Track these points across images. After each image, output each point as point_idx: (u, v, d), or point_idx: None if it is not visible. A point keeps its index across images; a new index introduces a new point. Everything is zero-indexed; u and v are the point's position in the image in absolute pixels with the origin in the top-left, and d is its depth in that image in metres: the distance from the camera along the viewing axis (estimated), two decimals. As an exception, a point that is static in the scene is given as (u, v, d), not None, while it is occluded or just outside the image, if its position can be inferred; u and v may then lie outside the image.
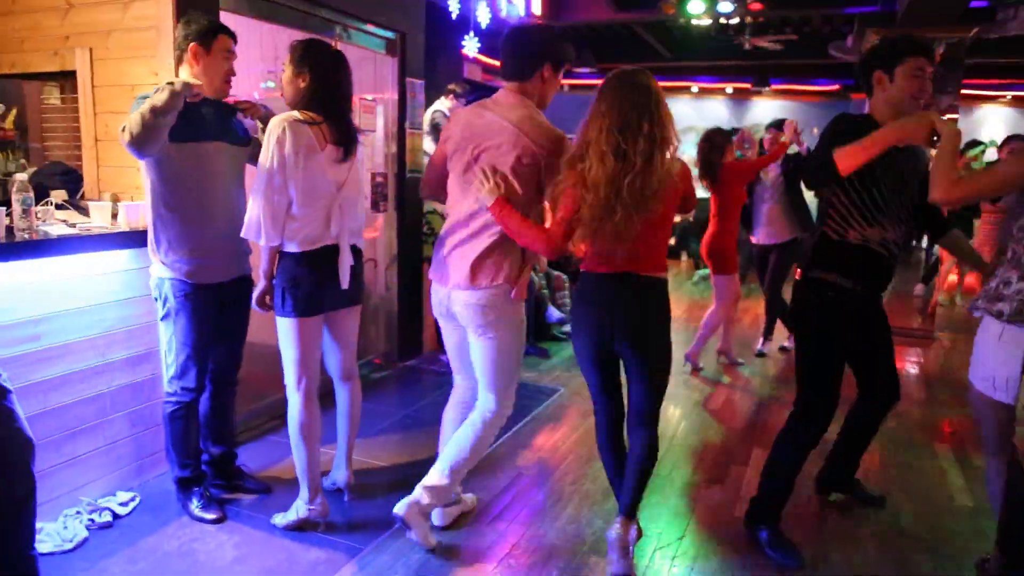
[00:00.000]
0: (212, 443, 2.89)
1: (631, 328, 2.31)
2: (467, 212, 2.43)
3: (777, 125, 5.13)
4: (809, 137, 11.09)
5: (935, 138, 2.13)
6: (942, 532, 2.83)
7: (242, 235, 2.51)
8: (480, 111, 2.44)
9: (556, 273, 5.92)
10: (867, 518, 2.92)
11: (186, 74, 2.55)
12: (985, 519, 2.80)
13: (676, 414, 4.08)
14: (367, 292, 4.64)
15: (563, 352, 5.12)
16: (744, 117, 11.60)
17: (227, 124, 2.69)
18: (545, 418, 3.92)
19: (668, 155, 2.22)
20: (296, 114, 2.47)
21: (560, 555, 2.58)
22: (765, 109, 11.59)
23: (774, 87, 11.24)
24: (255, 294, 2.58)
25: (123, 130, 2.34)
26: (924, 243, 8.68)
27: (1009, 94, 11.13)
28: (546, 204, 2.45)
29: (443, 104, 6.16)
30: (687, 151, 7.96)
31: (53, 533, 2.52)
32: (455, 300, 2.46)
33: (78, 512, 2.65)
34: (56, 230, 2.59)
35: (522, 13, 6.86)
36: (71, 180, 3.18)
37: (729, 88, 11.64)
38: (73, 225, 2.71)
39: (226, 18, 3.09)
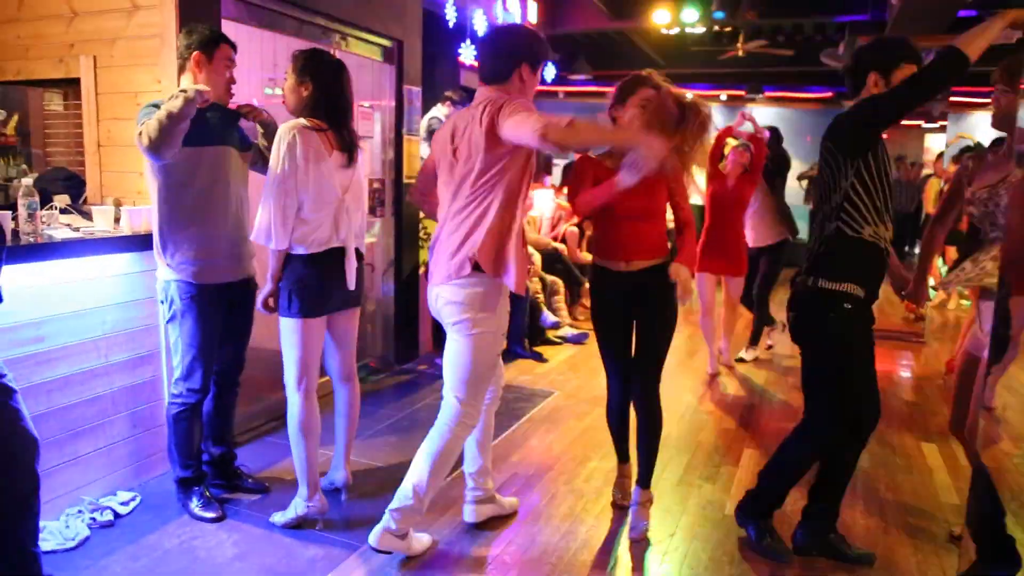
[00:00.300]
0: (212, 444, 2.94)
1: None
2: (452, 211, 2.42)
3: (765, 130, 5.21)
4: (803, 145, 11.19)
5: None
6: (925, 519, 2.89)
7: (252, 239, 2.59)
8: (458, 119, 2.47)
9: (552, 278, 5.99)
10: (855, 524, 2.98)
11: (188, 82, 2.61)
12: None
13: (669, 415, 4.12)
14: (364, 296, 4.69)
15: (558, 356, 5.17)
16: (739, 124, 11.69)
17: (231, 129, 2.76)
18: (539, 420, 3.97)
19: None
20: (304, 121, 2.55)
21: (554, 552, 2.63)
22: (759, 115, 11.59)
23: (768, 94, 11.34)
24: (260, 296, 2.64)
25: (140, 135, 2.41)
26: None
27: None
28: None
29: (440, 111, 6.23)
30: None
31: (55, 532, 2.56)
32: (439, 298, 2.46)
33: (80, 511, 2.69)
34: (60, 234, 2.65)
35: (518, 21, 6.94)
36: (74, 185, 3.23)
37: (723, 95, 11.74)
38: (76, 229, 2.77)
39: (227, 26, 3.16)
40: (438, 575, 2.47)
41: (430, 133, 6.02)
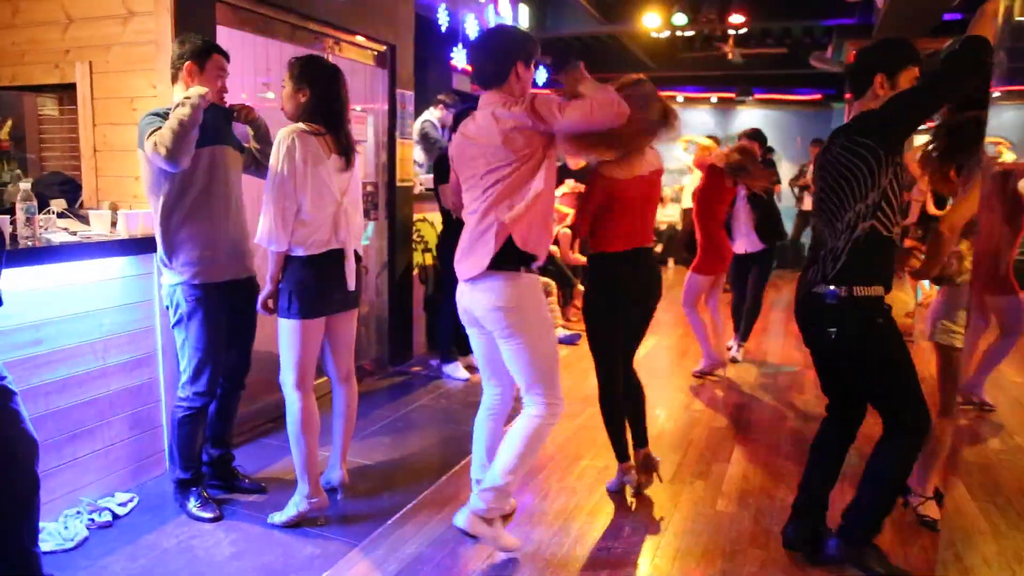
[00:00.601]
0: (212, 445, 2.98)
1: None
2: (479, 208, 2.47)
3: (750, 135, 5.26)
4: (792, 148, 11.23)
5: None
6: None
7: (256, 242, 2.63)
8: (467, 123, 2.53)
9: (544, 280, 6.03)
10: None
11: (180, 91, 2.66)
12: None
13: (661, 414, 4.18)
14: (364, 298, 4.73)
15: (551, 357, 5.21)
16: (728, 126, 11.79)
17: (227, 130, 2.82)
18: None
19: None
20: (302, 125, 2.60)
21: (548, 549, 2.67)
22: (749, 118, 11.76)
23: (757, 96, 11.43)
24: (260, 297, 2.68)
25: (155, 146, 2.45)
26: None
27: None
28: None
29: (432, 114, 6.28)
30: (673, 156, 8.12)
31: (54, 532, 2.59)
32: (475, 301, 2.49)
33: (78, 512, 2.72)
34: (58, 238, 2.68)
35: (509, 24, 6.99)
36: (70, 189, 3.26)
37: (713, 98, 11.82)
38: (74, 233, 2.80)
39: (221, 32, 3.20)
40: (434, 573, 2.50)
41: (423, 136, 6.07)
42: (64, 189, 3.24)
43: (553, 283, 6.11)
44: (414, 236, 5.14)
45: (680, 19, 7.08)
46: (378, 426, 3.87)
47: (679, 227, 10.00)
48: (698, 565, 2.60)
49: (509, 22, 6.92)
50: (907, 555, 2.68)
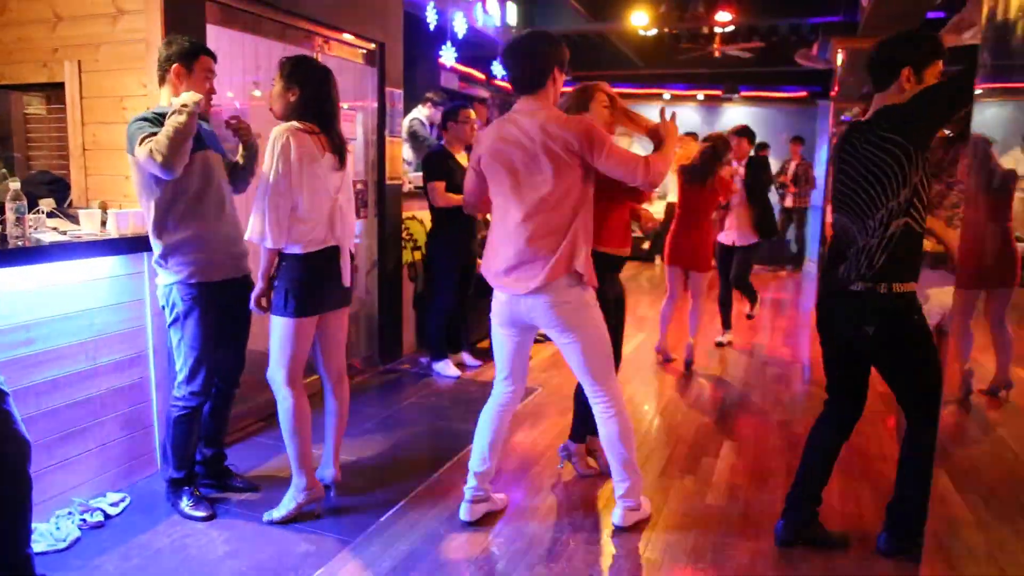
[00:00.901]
0: (205, 445, 2.98)
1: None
2: (520, 218, 2.53)
3: (740, 132, 5.33)
4: (776, 143, 11.31)
5: None
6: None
7: (247, 238, 2.64)
8: (505, 126, 2.57)
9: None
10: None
11: (168, 94, 2.67)
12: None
13: (650, 409, 4.22)
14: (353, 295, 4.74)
15: (540, 354, 5.23)
16: (715, 123, 11.86)
17: (214, 135, 2.83)
18: (523, 417, 4.03)
19: None
20: (296, 124, 2.61)
21: (541, 545, 2.69)
22: (735, 115, 11.84)
23: (743, 94, 11.50)
24: (253, 294, 2.69)
25: (150, 152, 2.44)
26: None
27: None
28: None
29: (420, 112, 6.28)
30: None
31: (46, 533, 2.58)
32: (531, 307, 2.57)
33: (70, 513, 2.71)
34: (48, 237, 2.67)
35: (498, 24, 7.00)
36: (58, 189, 3.24)
37: (700, 95, 11.88)
38: (64, 232, 2.78)
39: (211, 31, 3.19)
40: (428, 570, 2.52)
41: (411, 135, 6.07)
42: (52, 188, 3.22)
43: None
44: (403, 234, 5.14)
45: (640, 19, 7.12)
46: (369, 423, 3.88)
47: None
48: (688, 558, 2.63)
49: (497, 20, 6.93)
50: (893, 546, 2.72)
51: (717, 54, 9.15)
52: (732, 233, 5.35)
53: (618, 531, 2.79)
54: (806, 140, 10.31)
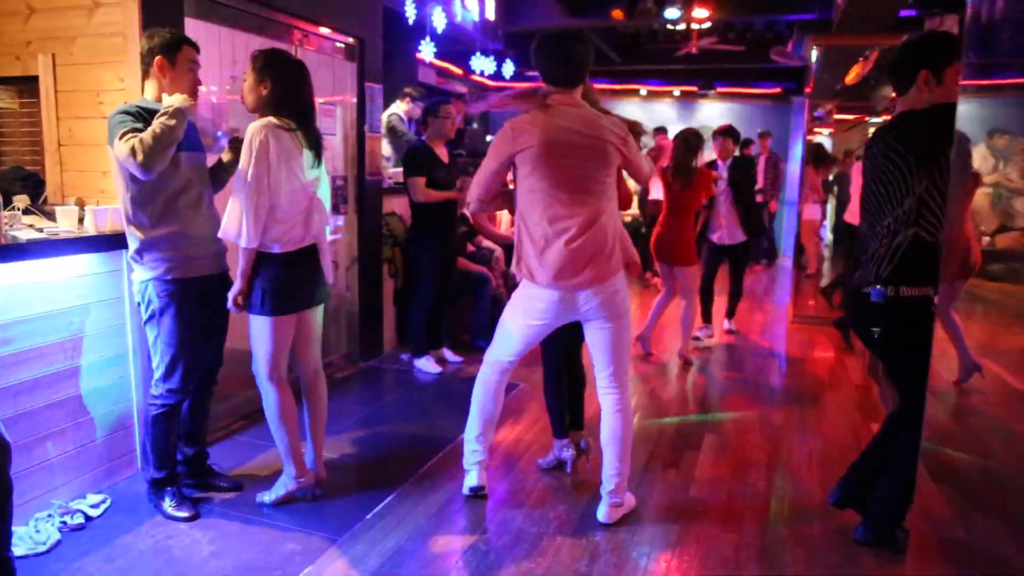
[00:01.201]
0: (186, 443, 2.94)
1: None
2: (583, 215, 2.58)
3: (724, 132, 5.40)
4: (753, 137, 11.35)
5: None
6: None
7: (220, 235, 2.60)
8: (555, 118, 2.58)
9: (514, 271, 6.06)
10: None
11: (152, 87, 2.63)
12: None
13: (632, 403, 4.24)
14: (331, 292, 4.70)
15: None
16: (691, 119, 11.94)
17: (194, 130, 2.77)
18: (507, 411, 4.02)
19: None
20: (274, 120, 2.58)
21: (528, 538, 2.71)
22: (711, 111, 11.95)
23: (719, 90, 11.60)
24: (231, 293, 2.66)
25: (132, 151, 2.39)
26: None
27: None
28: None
29: (399, 107, 6.25)
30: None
31: (25, 537, 2.53)
32: (588, 299, 2.63)
33: (49, 515, 2.66)
34: (25, 235, 2.61)
35: (476, 19, 6.98)
36: (32, 184, 3.16)
37: (676, 91, 11.96)
38: (40, 230, 2.73)
39: (189, 24, 3.15)
40: (415, 567, 2.51)
41: (390, 130, 6.04)
42: (26, 184, 3.14)
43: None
44: (384, 230, 5.12)
45: (673, 13, 7.14)
46: (352, 420, 3.86)
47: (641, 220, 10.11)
48: (674, 551, 2.66)
49: (476, 15, 6.91)
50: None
51: (694, 50, 9.22)
52: (722, 232, 5.42)
53: (604, 524, 2.81)
54: (780, 136, 10.43)
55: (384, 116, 5.69)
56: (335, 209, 4.62)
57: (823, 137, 7.45)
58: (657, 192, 7.13)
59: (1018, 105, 1.95)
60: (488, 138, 9.43)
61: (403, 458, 3.40)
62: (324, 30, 4.27)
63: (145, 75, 2.63)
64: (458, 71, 9.60)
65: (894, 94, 2.55)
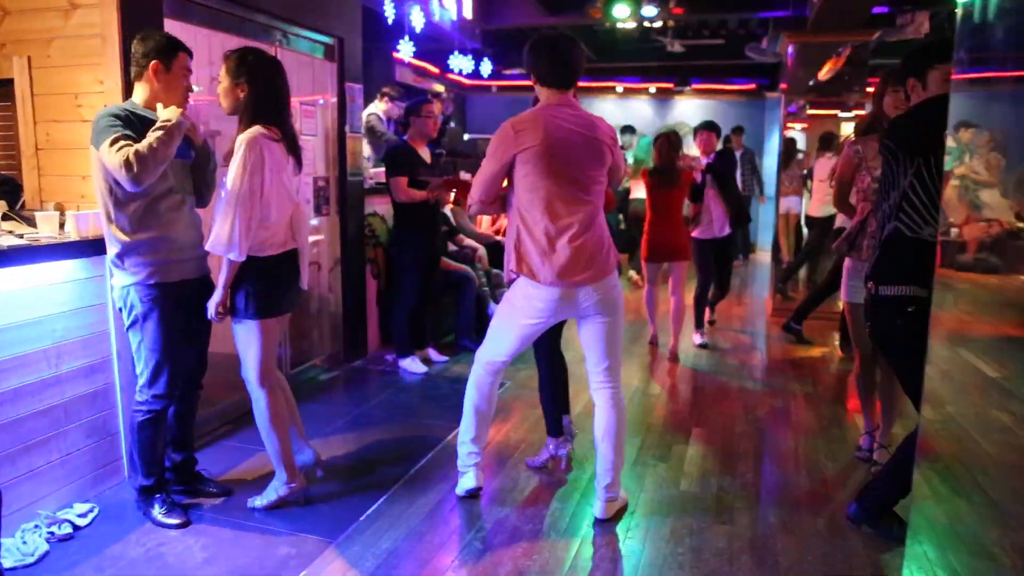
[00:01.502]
0: (174, 449, 2.91)
1: None
2: (583, 213, 2.64)
3: (707, 127, 5.43)
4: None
5: None
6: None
7: (208, 249, 2.58)
8: (554, 118, 2.61)
9: (496, 271, 6.06)
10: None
11: (143, 91, 2.59)
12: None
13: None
14: (311, 295, 4.68)
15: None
16: (667, 115, 12.03)
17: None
18: (495, 411, 4.04)
19: None
20: (263, 131, 2.56)
21: (522, 535, 2.71)
22: (687, 107, 12.04)
23: (695, 86, 11.69)
24: (213, 302, 2.63)
25: (125, 162, 2.35)
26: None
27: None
28: None
29: (377, 107, 6.22)
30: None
31: (12, 548, 2.49)
32: (588, 295, 2.67)
33: (36, 526, 2.62)
34: (5, 241, 2.56)
35: (454, 17, 6.97)
36: (9, 190, 3.10)
37: (652, 88, 12.03)
38: (20, 236, 2.68)
39: (169, 25, 3.11)
40: (413, 568, 2.51)
41: (369, 130, 6.00)
42: (3, 190, 3.08)
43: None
44: (366, 231, 5.09)
45: (622, 11, 7.19)
46: (341, 422, 3.84)
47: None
48: (667, 544, 2.68)
49: (454, 14, 6.90)
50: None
51: (670, 48, 9.28)
52: (712, 227, 5.39)
53: (597, 519, 2.83)
54: (755, 131, 10.55)
55: (363, 116, 5.66)
56: (317, 210, 4.59)
57: (796, 132, 7.55)
58: (639, 192, 7.18)
59: (980, 99, 2.03)
60: (466, 137, 9.44)
61: (394, 459, 3.39)
62: (304, 30, 4.23)
63: (138, 78, 2.59)
64: (435, 70, 9.58)
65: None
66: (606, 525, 2.81)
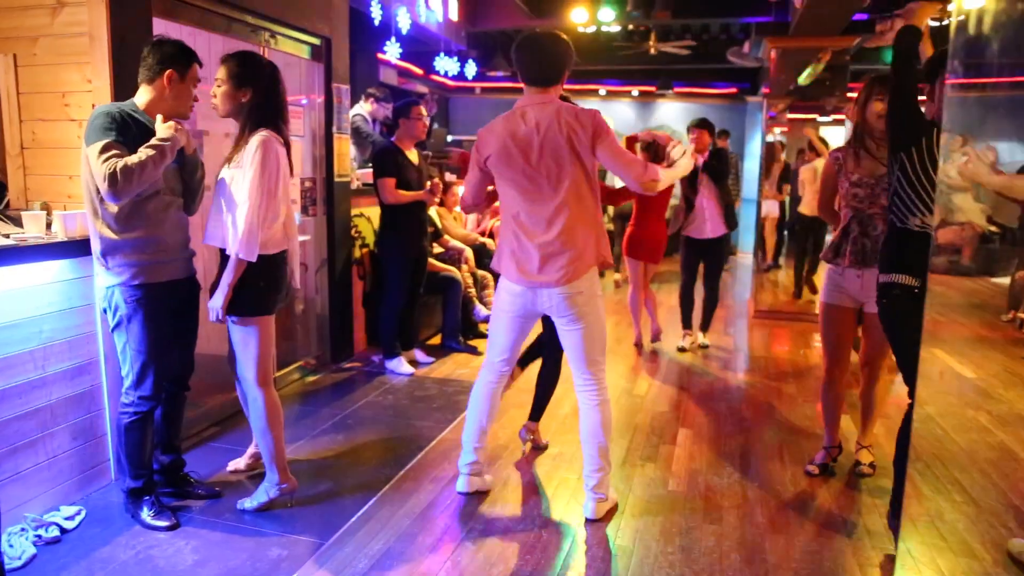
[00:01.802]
0: (161, 451, 2.89)
1: None
2: (549, 213, 2.65)
3: (700, 124, 5.39)
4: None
5: None
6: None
7: (242, 257, 2.56)
8: (514, 123, 2.64)
9: (482, 273, 6.07)
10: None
11: (148, 94, 2.58)
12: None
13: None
14: (297, 295, 4.66)
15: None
16: (650, 118, 12.11)
17: None
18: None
19: None
20: (273, 134, 2.61)
21: (514, 535, 2.73)
22: (669, 110, 12.13)
23: (677, 90, 11.77)
24: (219, 303, 2.61)
25: (111, 174, 2.33)
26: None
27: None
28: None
29: (363, 108, 6.20)
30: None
31: (-2, 552, 2.46)
32: (550, 296, 2.69)
33: (23, 529, 2.59)
34: (-9, 241, 2.53)
35: (440, 19, 6.97)
36: (-7, 190, 3.07)
37: (635, 91, 12.10)
38: (7, 236, 2.65)
39: (157, 24, 3.08)
40: (405, 568, 2.51)
41: (354, 131, 5.98)
42: (-13, 189, 3.05)
43: (490, 275, 6.17)
44: (352, 232, 5.08)
45: (607, 15, 7.24)
46: (328, 424, 3.83)
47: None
48: (658, 543, 2.71)
49: (440, 16, 6.90)
50: (845, 520, 2.88)
51: (652, 51, 9.35)
52: (705, 227, 5.29)
53: (588, 520, 2.85)
54: (736, 135, 10.65)
55: (348, 116, 5.64)
56: (304, 211, 4.58)
57: (776, 136, 7.65)
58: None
59: (951, 105, 2.11)
60: (449, 138, 9.44)
61: (383, 460, 3.39)
62: (291, 31, 4.21)
63: (147, 81, 2.57)
64: (419, 71, 9.57)
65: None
66: (596, 525, 2.83)
